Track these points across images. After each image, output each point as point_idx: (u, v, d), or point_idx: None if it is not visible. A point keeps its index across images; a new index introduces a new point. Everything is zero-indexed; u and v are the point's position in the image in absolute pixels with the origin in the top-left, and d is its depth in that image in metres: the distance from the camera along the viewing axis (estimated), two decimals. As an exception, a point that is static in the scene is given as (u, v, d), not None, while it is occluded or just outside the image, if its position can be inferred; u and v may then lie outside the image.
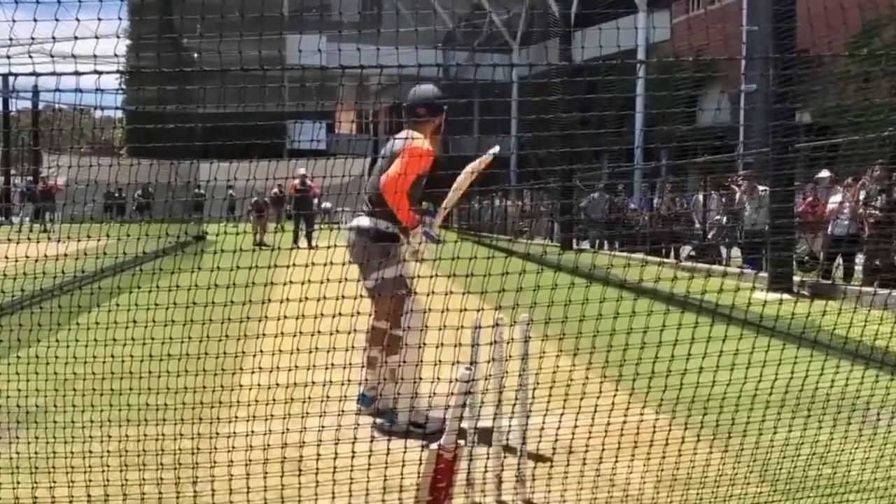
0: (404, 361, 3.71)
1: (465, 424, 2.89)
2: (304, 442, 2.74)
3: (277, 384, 2.74)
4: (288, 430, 2.74)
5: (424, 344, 3.36)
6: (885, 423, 3.49)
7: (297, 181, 16.37)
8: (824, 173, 10.72)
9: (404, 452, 2.71)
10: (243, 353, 2.88)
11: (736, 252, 13.62)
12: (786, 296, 8.67)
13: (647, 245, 14.37)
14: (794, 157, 9.93)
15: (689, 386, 2.94)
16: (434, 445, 2.73)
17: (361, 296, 2.82)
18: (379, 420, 4.17)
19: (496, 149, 4.50)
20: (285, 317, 2.67)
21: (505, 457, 3.18)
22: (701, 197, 14.57)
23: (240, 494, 2.67)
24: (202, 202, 15.17)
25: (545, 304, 2.91)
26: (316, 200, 18.51)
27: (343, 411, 2.73)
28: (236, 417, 2.92)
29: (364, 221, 4.25)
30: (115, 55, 3.46)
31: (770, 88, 8.43)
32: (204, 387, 2.85)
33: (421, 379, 3.56)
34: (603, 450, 2.85)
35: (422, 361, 2.90)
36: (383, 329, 4.22)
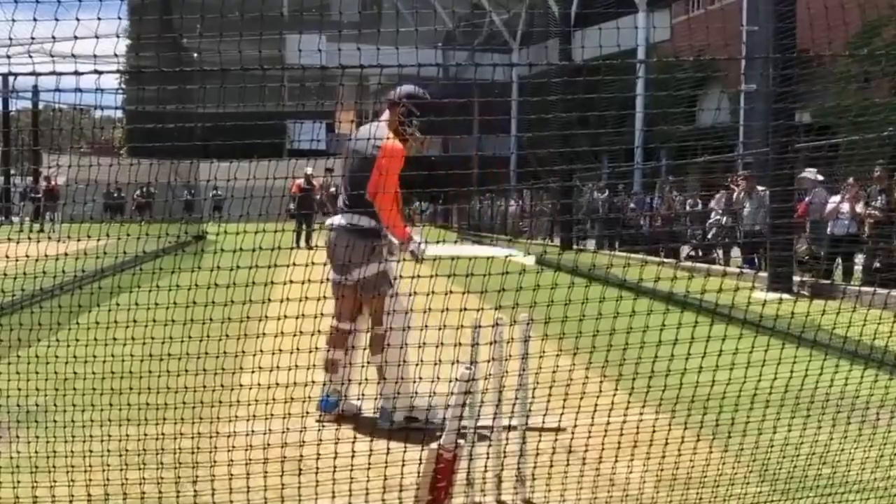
0: (387, 361, 3.74)
1: (464, 423, 2.90)
2: (304, 441, 2.74)
3: (277, 384, 2.74)
4: (288, 429, 2.74)
5: (407, 344, 3.37)
6: (885, 422, 3.49)
7: (301, 181, 16.31)
8: (807, 173, 10.66)
9: (404, 452, 2.71)
10: (243, 352, 2.88)
11: (736, 252, 13.61)
12: (785, 296, 8.66)
13: (647, 245, 14.36)
14: (794, 157, 9.92)
15: (689, 385, 2.94)
16: (434, 445, 2.73)
17: (325, 296, 2.82)
18: (380, 421, 4.17)
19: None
20: (285, 316, 2.68)
21: (505, 456, 3.18)
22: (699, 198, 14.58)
23: (240, 494, 2.67)
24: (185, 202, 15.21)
25: (545, 303, 2.91)
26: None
27: (343, 411, 2.73)
28: (236, 417, 2.93)
29: (344, 219, 4.28)
30: (115, 55, 3.46)
31: (770, 88, 8.43)
32: (204, 386, 2.85)
33: (416, 379, 3.57)
34: (603, 449, 2.85)
35: (421, 361, 2.90)
36: (346, 330, 4.29)
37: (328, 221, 4.46)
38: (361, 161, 4.30)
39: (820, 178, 10.70)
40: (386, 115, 4.48)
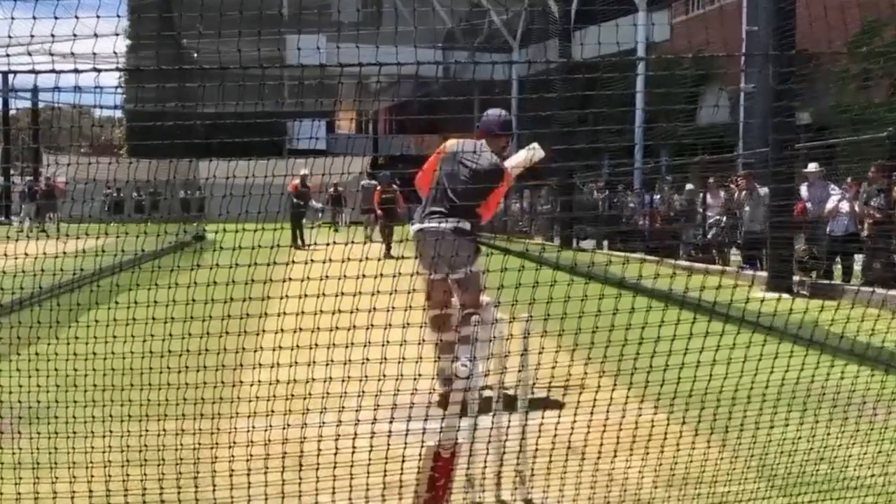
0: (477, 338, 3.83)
1: (464, 423, 2.90)
2: (304, 438, 2.75)
3: (278, 381, 2.75)
4: (289, 426, 2.75)
5: (495, 338, 3.39)
6: (882, 419, 3.50)
7: (297, 181, 16.30)
8: (812, 167, 10.64)
9: (404, 449, 2.72)
10: (244, 349, 2.89)
11: (735, 252, 13.59)
12: (785, 295, 8.66)
13: (647, 243, 14.36)
14: (794, 157, 9.92)
15: (688, 382, 2.95)
16: (432, 443, 2.74)
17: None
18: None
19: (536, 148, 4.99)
20: (285, 314, 2.68)
21: (505, 454, 3.19)
22: (701, 196, 14.56)
23: (241, 490, 2.68)
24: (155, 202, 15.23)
25: (545, 300, 2.92)
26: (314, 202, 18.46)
27: (343, 408, 2.74)
28: (237, 414, 2.93)
29: (452, 223, 4.59)
30: (115, 53, 3.47)
31: (770, 86, 8.43)
32: (205, 383, 2.86)
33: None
34: (602, 446, 2.86)
35: (421, 358, 2.92)
36: (447, 314, 4.63)
37: (417, 226, 4.73)
38: (473, 175, 4.68)
39: (822, 170, 10.67)
40: (483, 143, 4.76)
